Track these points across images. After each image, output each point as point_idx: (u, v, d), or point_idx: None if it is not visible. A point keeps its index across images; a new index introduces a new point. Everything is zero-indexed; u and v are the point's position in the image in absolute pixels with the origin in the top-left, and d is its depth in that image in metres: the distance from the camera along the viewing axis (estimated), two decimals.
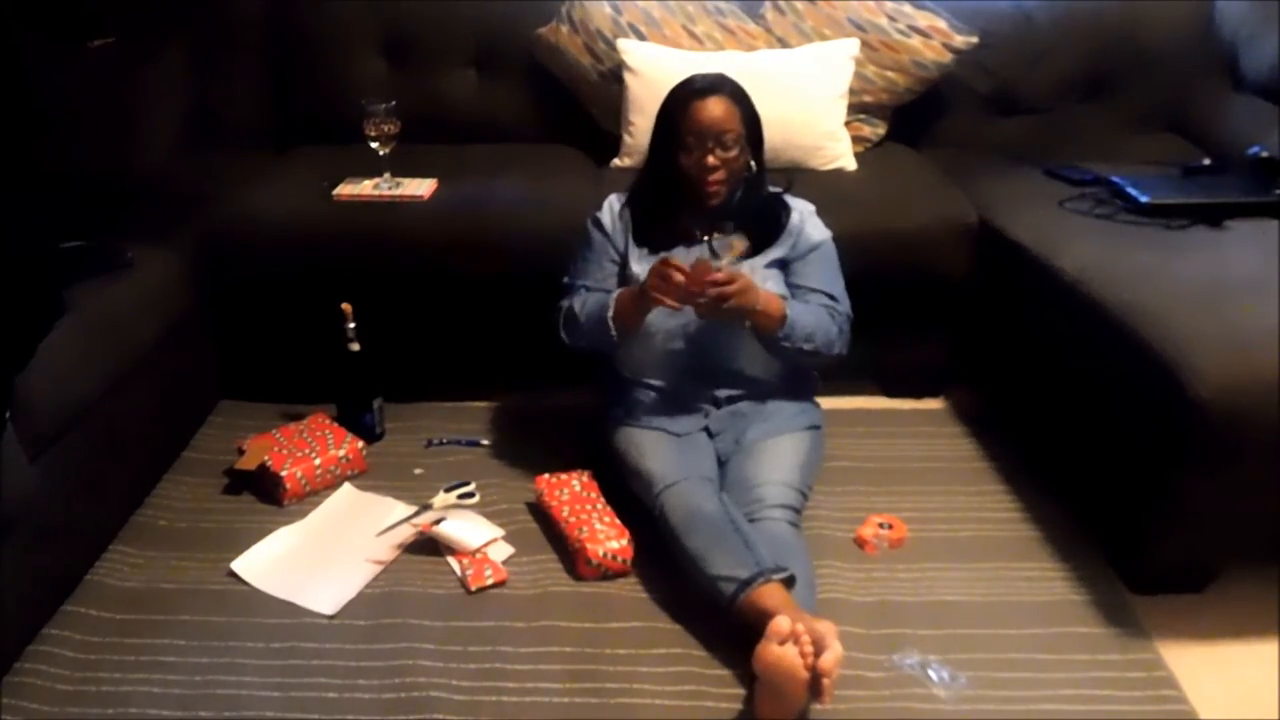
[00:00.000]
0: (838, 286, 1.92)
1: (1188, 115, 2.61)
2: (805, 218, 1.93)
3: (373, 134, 2.20)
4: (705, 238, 1.91)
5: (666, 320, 1.87)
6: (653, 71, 2.35)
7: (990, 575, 1.80)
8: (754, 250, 1.90)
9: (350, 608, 1.73)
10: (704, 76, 1.87)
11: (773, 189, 1.96)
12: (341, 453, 2.05)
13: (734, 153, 1.82)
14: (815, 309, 1.87)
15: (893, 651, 1.61)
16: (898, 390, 2.37)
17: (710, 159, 1.81)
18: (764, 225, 1.91)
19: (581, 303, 1.90)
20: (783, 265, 1.91)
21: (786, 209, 1.93)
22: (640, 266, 1.89)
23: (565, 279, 1.98)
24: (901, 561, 1.83)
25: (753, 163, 1.88)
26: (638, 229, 1.93)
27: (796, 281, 1.91)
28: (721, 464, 1.89)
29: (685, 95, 1.84)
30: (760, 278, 1.86)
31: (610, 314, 1.82)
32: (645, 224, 1.93)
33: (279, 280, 2.19)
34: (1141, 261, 1.87)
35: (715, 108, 1.81)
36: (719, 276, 1.69)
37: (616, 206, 1.97)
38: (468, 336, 2.28)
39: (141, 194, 2.20)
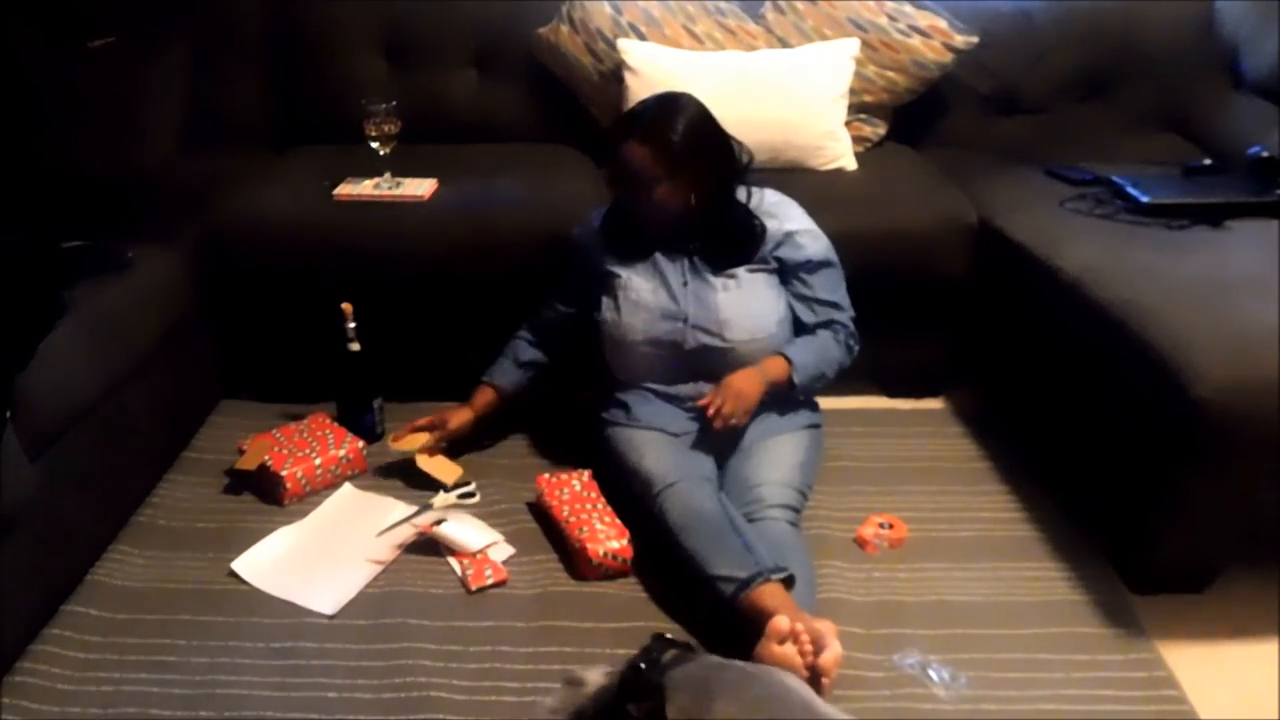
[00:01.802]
0: (840, 293, 1.94)
1: (1188, 115, 2.61)
2: (786, 229, 1.90)
3: (373, 134, 2.20)
4: (691, 247, 1.90)
5: (654, 325, 1.88)
6: (653, 71, 2.35)
7: (990, 575, 1.80)
8: (735, 262, 1.89)
9: (350, 608, 1.73)
10: (629, 114, 1.84)
11: (755, 191, 1.93)
12: (342, 453, 2.05)
13: (658, 192, 1.80)
14: (816, 344, 1.89)
15: (893, 651, 1.61)
16: (898, 390, 2.37)
17: (631, 202, 1.82)
18: (732, 242, 1.90)
19: (509, 346, 2.08)
20: (771, 271, 1.91)
21: (756, 225, 1.90)
22: (629, 272, 1.91)
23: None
24: (901, 561, 1.83)
25: (693, 188, 1.82)
26: (616, 246, 1.94)
27: (804, 293, 1.91)
28: (720, 464, 1.89)
29: (610, 135, 1.83)
30: (749, 284, 1.88)
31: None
32: (619, 242, 1.94)
33: (279, 280, 2.19)
34: (1141, 261, 1.87)
35: (627, 153, 1.79)
36: (708, 406, 1.78)
37: (595, 222, 1.99)
38: (468, 336, 2.27)
39: (141, 194, 2.20)
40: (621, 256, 1.93)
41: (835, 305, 1.92)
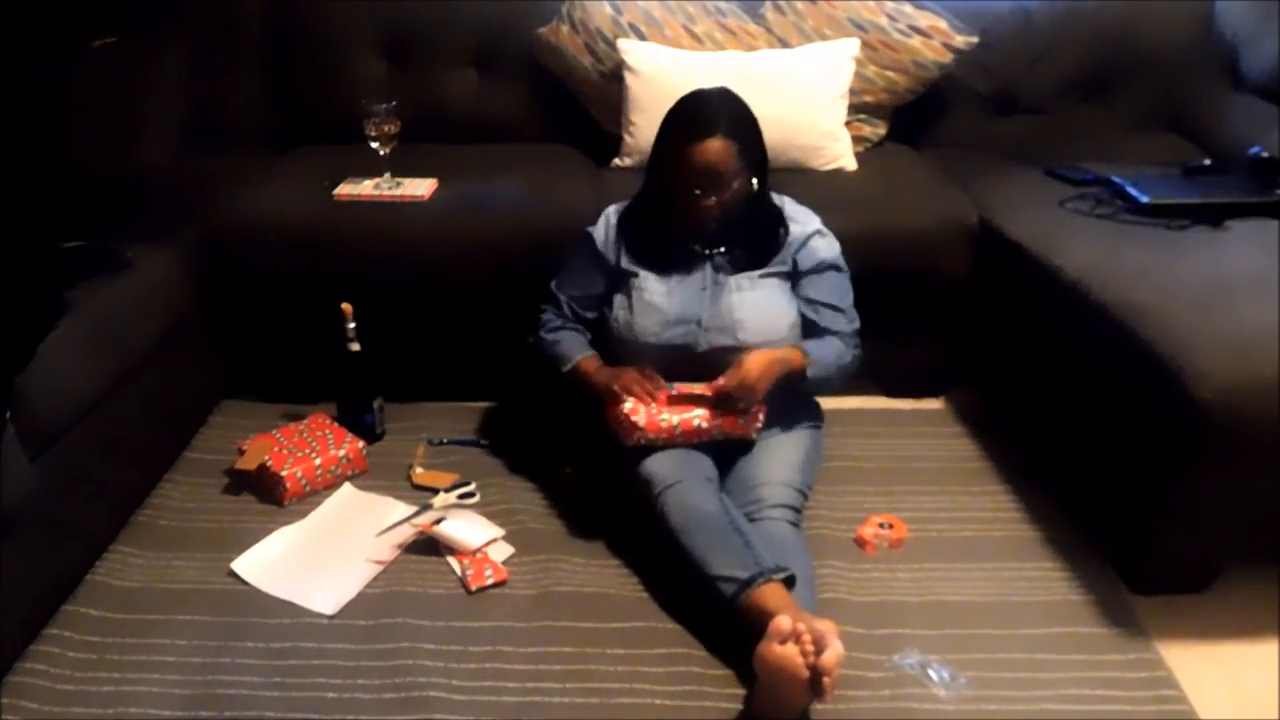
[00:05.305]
0: (848, 300, 1.94)
1: (1188, 115, 2.61)
2: (809, 231, 1.91)
3: (373, 134, 2.20)
4: (708, 252, 1.89)
5: (666, 329, 1.87)
6: (653, 71, 2.36)
7: (990, 575, 1.80)
8: (757, 263, 1.89)
9: (350, 608, 1.73)
10: (701, 110, 1.80)
11: (776, 196, 1.94)
12: (342, 453, 2.05)
13: (731, 188, 1.79)
14: (831, 344, 1.88)
15: (893, 652, 1.62)
16: (898, 390, 2.37)
17: (706, 201, 1.80)
18: (763, 240, 1.90)
19: (554, 334, 1.96)
20: (786, 276, 1.91)
21: (784, 224, 1.91)
22: (645, 272, 1.90)
23: (552, 284, 2.00)
24: (901, 561, 1.83)
25: (754, 181, 1.85)
26: (636, 247, 1.93)
27: (810, 295, 1.91)
28: (721, 463, 1.89)
29: (682, 136, 1.78)
30: (764, 287, 1.88)
31: (567, 368, 1.92)
32: (643, 243, 1.93)
33: (279, 280, 2.20)
34: (1141, 261, 1.86)
35: (712, 152, 1.75)
36: (723, 388, 1.78)
37: (613, 220, 1.97)
38: (468, 336, 2.28)
39: (141, 194, 2.19)
40: (639, 256, 1.93)
41: (841, 312, 1.92)
